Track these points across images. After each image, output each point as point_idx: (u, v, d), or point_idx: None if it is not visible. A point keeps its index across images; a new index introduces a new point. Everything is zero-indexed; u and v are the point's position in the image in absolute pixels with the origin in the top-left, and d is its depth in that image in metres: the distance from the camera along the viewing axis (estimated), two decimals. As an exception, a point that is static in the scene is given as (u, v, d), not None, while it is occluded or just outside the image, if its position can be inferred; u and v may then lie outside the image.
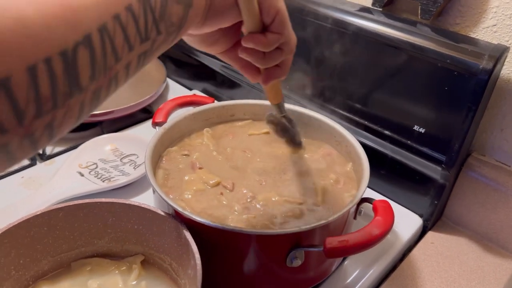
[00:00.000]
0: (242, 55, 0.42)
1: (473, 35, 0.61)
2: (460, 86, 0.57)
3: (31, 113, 0.22)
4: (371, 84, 0.66)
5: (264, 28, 0.40)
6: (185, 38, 0.42)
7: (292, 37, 0.42)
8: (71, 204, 0.49)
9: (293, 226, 0.49)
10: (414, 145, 0.63)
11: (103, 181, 0.70)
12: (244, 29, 0.41)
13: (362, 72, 0.66)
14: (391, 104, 0.64)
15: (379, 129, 0.66)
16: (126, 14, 0.27)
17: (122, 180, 0.70)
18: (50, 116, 0.24)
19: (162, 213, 0.49)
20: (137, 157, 0.76)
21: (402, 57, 0.61)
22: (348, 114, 0.69)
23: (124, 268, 0.52)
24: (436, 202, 0.65)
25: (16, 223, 0.46)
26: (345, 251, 0.45)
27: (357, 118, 0.68)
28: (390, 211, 0.49)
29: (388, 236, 0.65)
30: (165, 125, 0.61)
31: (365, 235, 0.45)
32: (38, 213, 0.48)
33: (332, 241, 0.45)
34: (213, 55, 0.45)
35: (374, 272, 0.60)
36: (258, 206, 0.52)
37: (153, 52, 0.31)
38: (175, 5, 0.32)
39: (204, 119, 0.66)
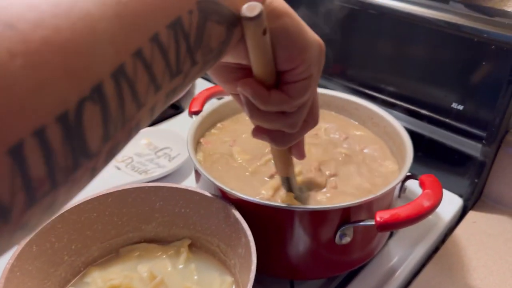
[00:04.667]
0: (240, 93, 0.34)
1: (508, 10, 0.61)
2: (499, 60, 0.56)
3: (20, 204, 0.16)
4: (406, 65, 0.66)
5: (276, 82, 0.32)
6: None
7: (303, 110, 0.34)
8: (119, 189, 0.50)
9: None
10: (453, 122, 0.63)
11: (140, 174, 0.71)
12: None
13: (397, 53, 0.66)
14: (427, 83, 0.64)
15: (416, 109, 0.66)
16: (151, 47, 0.20)
17: (159, 172, 0.70)
18: (49, 199, 0.18)
19: (210, 195, 0.49)
20: (171, 150, 0.76)
21: (437, 35, 0.61)
22: (383, 97, 0.69)
23: (172, 252, 0.52)
24: (476, 180, 0.65)
25: (68, 208, 0.47)
26: (397, 224, 0.44)
27: (393, 100, 0.68)
28: (438, 184, 0.48)
29: (430, 216, 0.65)
30: (202, 113, 0.62)
31: (416, 207, 0.45)
32: (88, 198, 0.48)
33: (384, 215, 0.44)
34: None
35: (417, 253, 0.59)
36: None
37: (185, 86, 0.24)
38: (216, 25, 0.24)
39: (237, 107, 0.67)
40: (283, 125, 0.35)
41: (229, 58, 0.31)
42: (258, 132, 0.37)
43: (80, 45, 0.17)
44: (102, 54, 0.18)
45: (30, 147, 0.15)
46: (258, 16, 0.26)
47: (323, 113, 0.67)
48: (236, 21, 0.26)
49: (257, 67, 0.31)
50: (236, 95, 0.37)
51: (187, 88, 0.23)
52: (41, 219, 0.18)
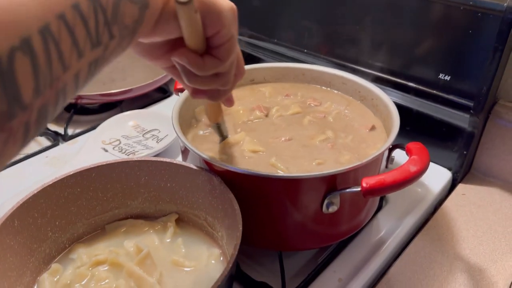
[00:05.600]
0: (175, 63, 0.38)
1: (493, -22, 0.60)
2: (485, 28, 0.56)
3: None
4: (392, 37, 0.65)
5: (206, 49, 0.36)
6: (133, 48, 0.37)
7: (232, 68, 0.38)
8: (103, 164, 0.49)
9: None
10: (440, 94, 0.62)
11: (128, 155, 0.70)
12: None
13: (382, 26, 0.65)
14: (413, 55, 0.64)
15: (403, 82, 0.65)
16: (73, 13, 0.23)
17: (146, 153, 0.69)
18: None
19: (195, 167, 0.49)
20: (159, 132, 0.75)
21: (422, 5, 0.60)
22: (370, 71, 0.69)
23: (159, 227, 0.52)
24: (465, 152, 0.64)
25: (51, 182, 0.46)
26: (382, 189, 0.44)
27: (380, 74, 0.68)
28: (425, 150, 0.48)
29: (418, 189, 0.65)
30: (188, 90, 0.61)
31: (403, 172, 0.44)
32: (71, 173, 0.48)
33: (369, 180, 0.44)
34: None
35: (406, 225, 0.59)
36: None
37: (105, 60, 0.28)
38: (129, 5, 0.28)
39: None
40: (218, 84, 0.39)
41: (158, 38, 0.35)
42: (196, 93, 0.41)
43: (10, 3, 0.20)
44: (29, 12, 0.20)
45: None
46: (191, 1, 0.32)
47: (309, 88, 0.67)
48: (147, 4, 0.30)
49: (191, 39, 0.35)
50: (169, 68, 0.41)
51: (108, 63, 0.29)
52: None
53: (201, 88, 0.40)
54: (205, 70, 0.36)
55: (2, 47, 0.19)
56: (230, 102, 0.48)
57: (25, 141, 0.22)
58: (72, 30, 0.23)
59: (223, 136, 0.55)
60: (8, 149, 0.21)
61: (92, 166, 0.49)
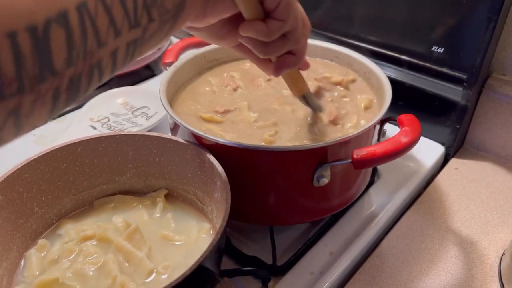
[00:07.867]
0: (243, 42, 0.38)
1: None
2: (479, -2, 0.55)
3: None
4: (384, 9, 0.64)
5: (266, 14, 0.36)
6: (195, 33, 0.39)
7: (297, 24, 0.38)
8: (89, 138, 0.48)
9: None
10: (434, 67, 0.61)
11: (117, 132, 0.69)
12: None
13: (375, -3, 0.64)
14: (406, 27, 0.62)
15: (396, 55, 0.64)
16: None
17: (136, 130, 0.68)
18: (15, 101, 0.21)
19: (183, 141, 0.48)
20: (148, 109, 0.74)
21: (416, -24, 0.59)
22: (361, 44, 0.67)
23: (148, 202, 0.51)
24: (458, 127, 0.64)
25: (35, 157, 0.45)
26: (373, 161, 0.43)
27: (371, 47, 0.67)
28: (416, 121, 0.47)
29: (411, 164, 0.64)
30: (176, 63, 0.59)
31: (394, 143, 0.44)
32: (56, 147, 0.47)
33: (360, 152, 0.43)
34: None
35: (398, 199, 0.59)
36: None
37: (146, 42, 0.28)
38: None
39: (213, 59, 0.65)
40: (290, 45, 0.38)
41: (213, 19, 0.35)
42: (278, 68, 0.40)
43: None
44: None
45: (2, 46, 0.19)
46: None
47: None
48: None
49: (247, 9, 0.35)
50: (237, 46, 0.41)
51: (151, 47, 0.29)
52: (6, 125, 0.21)
53: (274, 54, 0.39)
54: (272, 33, 0.36)
55: (40, 17, 0.20)
56: (306, 64, 0.48)
57: (54, 106, 0.23)
58: (109, 9, 0.24)
59: (313, 108, 0.52)
60: (36, 110, 0.22)
61: (77, 140, 0.48)
